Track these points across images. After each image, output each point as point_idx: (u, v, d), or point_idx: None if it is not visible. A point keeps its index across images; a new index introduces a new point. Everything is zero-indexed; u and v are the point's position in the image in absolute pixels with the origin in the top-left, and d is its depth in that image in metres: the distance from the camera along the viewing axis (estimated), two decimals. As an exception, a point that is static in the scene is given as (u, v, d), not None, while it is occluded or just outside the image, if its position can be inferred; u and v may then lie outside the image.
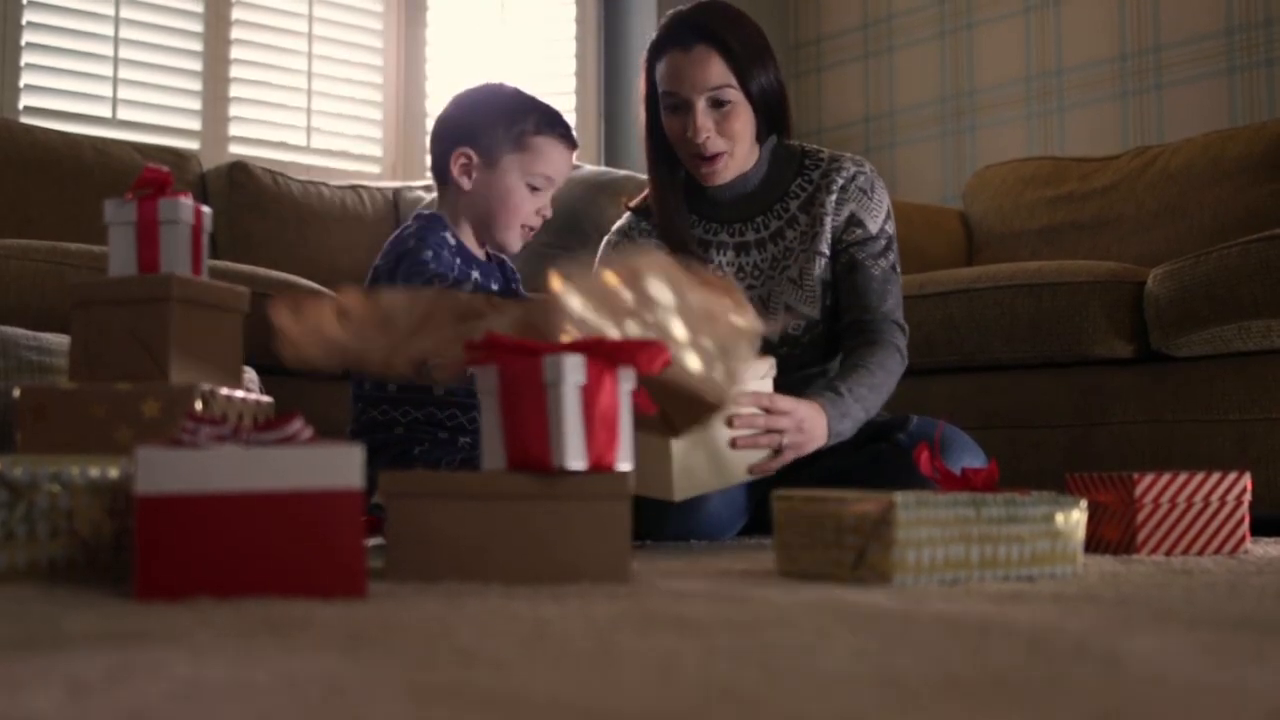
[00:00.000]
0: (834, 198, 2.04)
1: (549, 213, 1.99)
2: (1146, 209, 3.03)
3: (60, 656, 0.76)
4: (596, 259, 2.14)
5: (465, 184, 1.94)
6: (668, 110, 2.00)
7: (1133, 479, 1.73)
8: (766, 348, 2.04)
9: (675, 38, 1.97)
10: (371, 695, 0.66)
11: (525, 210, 1.94)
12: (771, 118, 2.03)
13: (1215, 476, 1.76)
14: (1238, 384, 2.31)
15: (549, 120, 1.95)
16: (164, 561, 1.06)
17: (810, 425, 1.80)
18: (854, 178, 2.05)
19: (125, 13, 3.53)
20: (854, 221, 2.04)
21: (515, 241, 1.97)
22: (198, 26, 3.66)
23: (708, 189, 2.07)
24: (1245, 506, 1.78)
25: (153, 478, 1.07)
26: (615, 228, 2.18)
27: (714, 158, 1.99)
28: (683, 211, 2.08)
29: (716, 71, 1.94)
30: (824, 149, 2.11)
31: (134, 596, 1.06)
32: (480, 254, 2.00)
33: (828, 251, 2.04)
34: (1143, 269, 2.51)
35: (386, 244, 1.96)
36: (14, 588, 1.13)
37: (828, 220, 2.03)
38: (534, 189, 1.94)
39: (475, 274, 1.94)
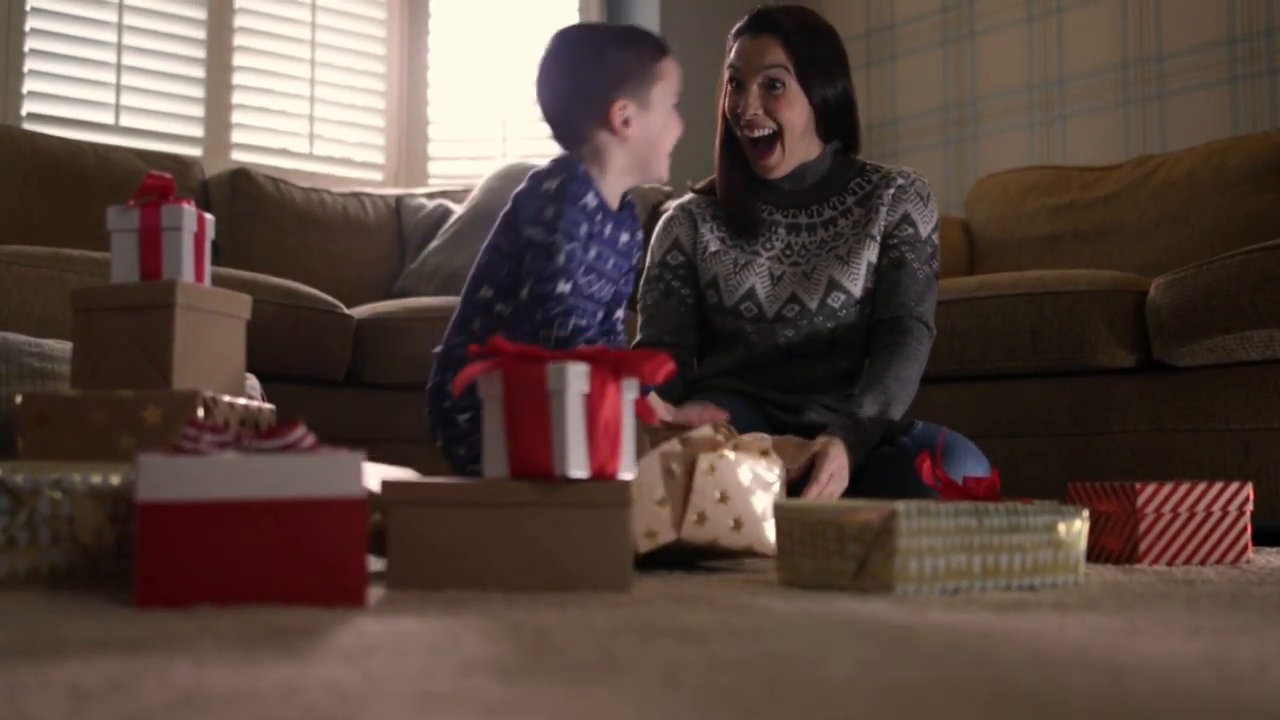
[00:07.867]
0: (891, 192, 2.13)
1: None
2: (1148, 218, 3.02)
3: (61, 663, 0.76)
4: (654, 235, 2.24)
5: (628, 133, 1.88)
6: (730, 87, 2.14)
7: (1135, 489, 1.72)
8: (809, 321, 2.09)
9: (749, 25, 2.14)
10: (373, 703, 0.66)
11: (678, 131, 1.93)
12: (835, 123, 2.13)
13: (1217, 486, 1.76)
14: (1239, 394, 2.31)
15: (654, 41, 1.93)
16: (165, 569, 1.06)
17: (842, 470, 1.87)
18: (913, 183, 2.15)
19: (128, 20, 3.54)
20: (907, 220, 2.12)
21: (667, 168, 1.95)
22: (200, 34, 3.67)
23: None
24: (1247, 517, 1.78)
25: (154, 485, 1.07)
26: (677, 204, 2.26)
27: (768, 150, 2.10)
28: (746, 189, 2.18)
29: (772, 54, 2.08)
30: (884, 164, 2.21)
31: (135, 604, 1.06)
32: (615, 204, 1.93)
33: (879, 238, 2.12)
34: (1144, 278, 2.51)
35: (522, 193, 1.84)
36: (15, 594, 1.13)
37: (883, 211, 2.13)
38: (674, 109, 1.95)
39: (609, 229, 1.88)
